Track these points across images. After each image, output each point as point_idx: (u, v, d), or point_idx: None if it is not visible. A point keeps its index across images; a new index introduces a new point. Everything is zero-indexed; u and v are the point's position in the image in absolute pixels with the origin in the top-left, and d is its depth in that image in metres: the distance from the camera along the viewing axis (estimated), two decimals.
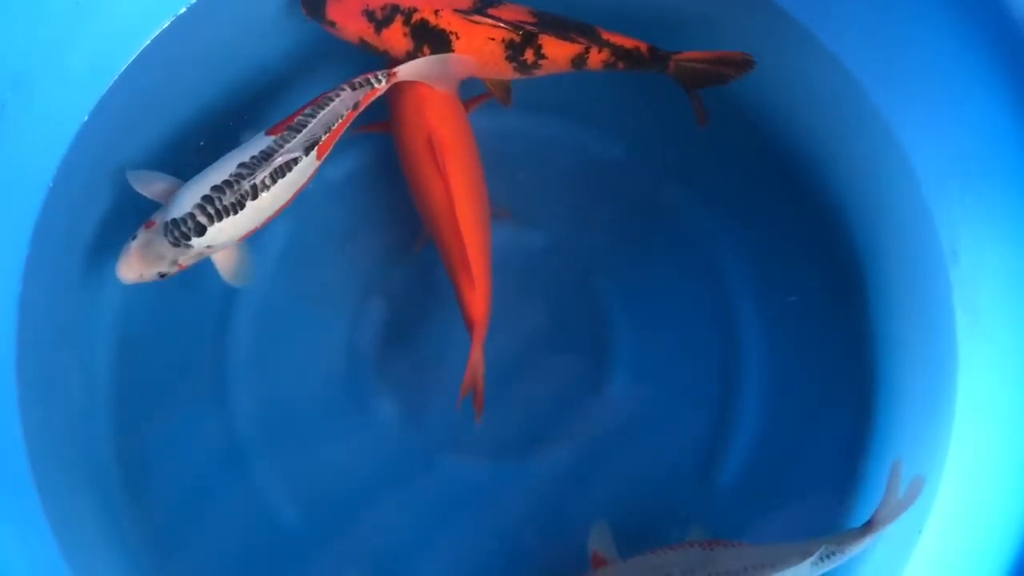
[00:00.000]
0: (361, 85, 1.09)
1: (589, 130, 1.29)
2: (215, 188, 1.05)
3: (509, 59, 1.11)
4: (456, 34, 1.10)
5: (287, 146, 1.05)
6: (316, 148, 1.07)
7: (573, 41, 1.11)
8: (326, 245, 1.26)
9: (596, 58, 1.12)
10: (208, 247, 1.07)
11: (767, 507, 1.20)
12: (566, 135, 1.28)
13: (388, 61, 1.15)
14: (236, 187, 1.04)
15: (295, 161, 1.06)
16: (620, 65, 1.12)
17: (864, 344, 1.20)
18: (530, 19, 1.11)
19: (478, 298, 1.11)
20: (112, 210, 1.17)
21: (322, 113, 1.07)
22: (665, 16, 1.21)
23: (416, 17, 1.11)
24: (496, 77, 1.14)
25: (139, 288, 1.16)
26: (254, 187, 1.05)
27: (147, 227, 1.07)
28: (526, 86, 1.26)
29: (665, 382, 1.25)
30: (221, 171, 1.05)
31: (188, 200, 1.05)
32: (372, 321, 1.25)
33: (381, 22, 1.11)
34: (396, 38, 1.12)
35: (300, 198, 1.10)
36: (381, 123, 1.19)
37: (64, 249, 1.17)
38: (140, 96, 1.19)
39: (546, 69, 1.13)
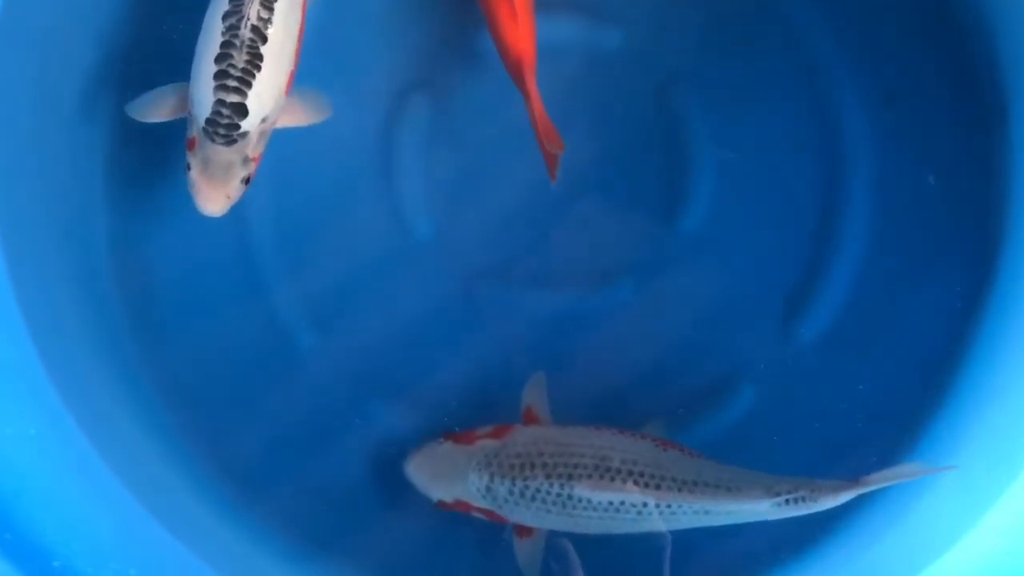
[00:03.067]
0: None
1: None
2: (219, 58, 0.86)
3: None
4: None
5: None
6: None
7: None
8: (361, 26, 1.08)
9: None
10: (263, 120, 0.89)
11: (848, 374, 1.05)
12: None
13: None
14: (237, 41, 0.86)
15: None
16: None
17: (995, 186, 1.01)
18: None
19: (523, 32, 0.94)
20: None
21: None
22: None
23: None
24: None
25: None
26: (255, 29, 0.87)
27: (191, 149, 0.90)
28: None
29: (749, 215, 1.08)
30: (212, 39, 0.87)
31: (205, 90, 0.87)
32: (411, 118, 1.07)
33: None
34: None
35: None
36: None
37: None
38: None
39: None
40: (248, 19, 0.87)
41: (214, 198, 0.89)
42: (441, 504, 0.99)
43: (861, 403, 1.04)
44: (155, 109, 0.93)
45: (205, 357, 1.07)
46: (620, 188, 1.08)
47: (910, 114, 1.06)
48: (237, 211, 0.94)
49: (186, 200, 0.96)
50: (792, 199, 1.07)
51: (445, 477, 0.98)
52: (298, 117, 0.95)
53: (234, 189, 0.90)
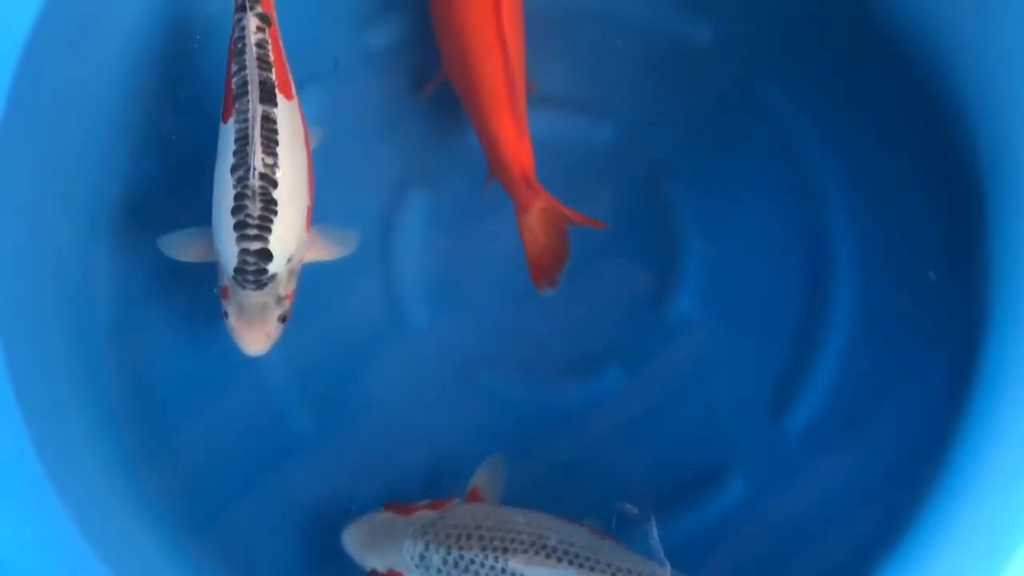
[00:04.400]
0: None
1: (675, 9, 1.12)
2: (235, 210, 0.89)
3: None
4: None
5: (249, 112, 0.90)
6: (275, 91, 0.92)
7: None
8: (361, 121, 1.12)
9: None
10: (289, 259, 0.92)
11: (836, 464, 1.06)
12: (648, 12, 1.12)
13: None
14: (248, 191, 0.89)
15: (271, 120, 0.91)
16: None
17: (978, 275, 1.03)
18: None
19: (526, 146, 0.98)
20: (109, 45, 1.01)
21: (246, 56, 0.91)
22: None
23: None
24: None
25: (146, 158, 1.06)
26: (264, 176, 0.89)
27: (225, 297, 0.93)
28: None
29: (737, 304, 1.10)
30: (226, 192, 0.90)
31: (228, 242, 0.90)
32: (408, 211, 1.11)
33: None
34: None
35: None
36: None
37: (62, 80, 0.99)
38: None
39: None
40: (255, 168, 0.89)
41: (255, 340, 0.93)
42: (374, 574, 0.98)
43: (849, 493, 1.05)
44: (186, 250, 0.97)
45: (204, 445, 1.08)
46: (609, 277, 1.10)
47: (894, 210, 1.08)
48: None
49: (184, 289, 0.99)
50: (779, 290, 1.09)
51: (381, 546, 0.97)
52: (323, 251, 0.98)
53: (273, 328, 0.93)
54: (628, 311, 1.10)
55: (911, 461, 1.04)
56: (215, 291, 0.95)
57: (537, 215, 0.97)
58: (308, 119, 1.09)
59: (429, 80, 1.08)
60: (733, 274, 1.10)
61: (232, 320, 0.93)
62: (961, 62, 1.03)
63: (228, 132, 0.91)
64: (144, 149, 1.06)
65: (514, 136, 0.97)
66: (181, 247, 0.97)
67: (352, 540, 0.98)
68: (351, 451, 1.09)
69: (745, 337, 1.09)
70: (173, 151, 1.07)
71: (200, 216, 0.96)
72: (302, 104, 1.00)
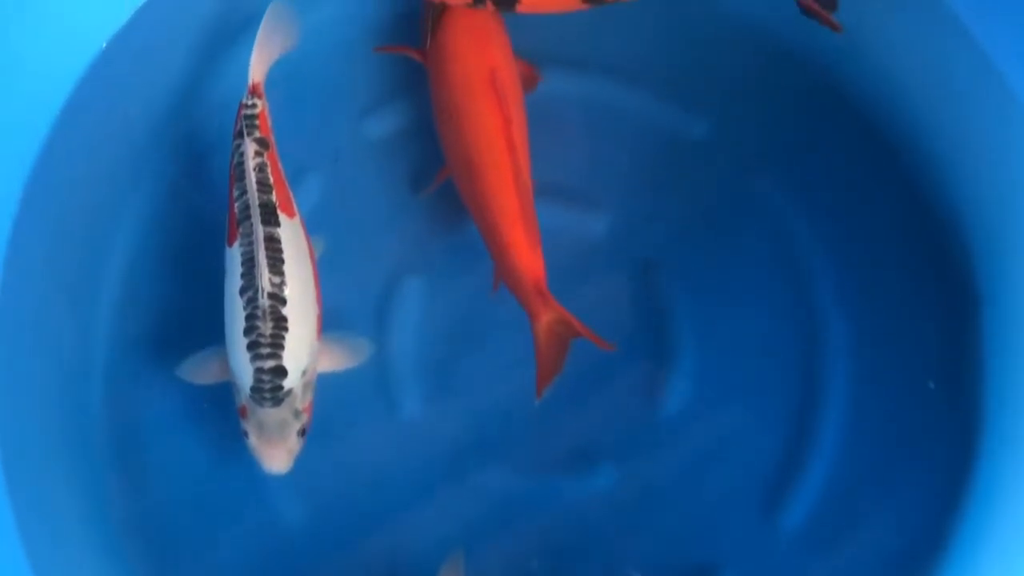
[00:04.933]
0: (247, 121, 0.96)
1: (671, 103, 1.14)
2: (248, 331, 0.91)
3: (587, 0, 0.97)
4: None
5: (252, 235, 0.92)
6: (277, 212, 0.94)
7: None
8: (361, 210, 1.12)
9: None
10: (303, 373, 0.94)
11: (828, 565, 1.05)
12: (643, 106, 1.13)
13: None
14: (259, 311, 0.91)
15: (275, 240, 0.93)
16: None
17: (973, 378, 1.03)
18: None
19: (538, 258, 0.98)
20: (114, 160, 1.03)
21: (247, 181, 0.94)
22: None
23: None
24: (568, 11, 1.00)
25: (145, 245, 1.08)
26: (272, 295, 0.91)
27: (243, 416, 0.95)
28: (601, 44, 1.13)
29: (730, 400, 1.10)
30: (236, 314, 0.93)
31: (242, 362, 0.92)
32: (404, 301, 1.11)
33: None
34: None
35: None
36: (409, 47, 1.07)
37: (65, 192, 1.02)
38: (156, 31, 1.03)
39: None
40: (263, 289, 0.91)
41: (277, 457, 0.94)
42: None
43: None
44: (203, 373, 0.99)
45: (191, 529, 1.07)
46: (603, 372, 1.09)
47: (888, 309, 1.09)
48: (228, 387, 0.98)
49: (180, 384, 0.99)
50: (771, 387, 1.09)
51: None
52: (336, 361, 1.00)
53: (294, 443, 0.94)
54: (620, 405, 1.09)
55: (906, 562, 1.03)
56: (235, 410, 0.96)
57: (546, 326, 0.97)
58: (309, 207, 1.11)
59: (429, 170, 1.09)
60: (726, 370, 1.10)
61: (253, 439, 0.94)
62: (957, 164, 1.05)
63: (234, 255, 0.93)
64: (153, 249, 1.08)
65: (526, 248, 0.97)
66: (198, 371, 0.99)
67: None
68: (341, 541, 1.07)
69: (738, 433, 1.09)
70: (180, 252, 1.09)
71: (199, 315, 0.97)
72: (306, 191, 1.05)
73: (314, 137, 1.12)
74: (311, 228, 1.05)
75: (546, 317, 0.96)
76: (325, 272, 1.01)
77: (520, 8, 0.98)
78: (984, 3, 0.98)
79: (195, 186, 1.08)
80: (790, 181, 1.12)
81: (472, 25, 1.02)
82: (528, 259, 0.97)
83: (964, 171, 1.04)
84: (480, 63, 1.00)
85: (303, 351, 0.93)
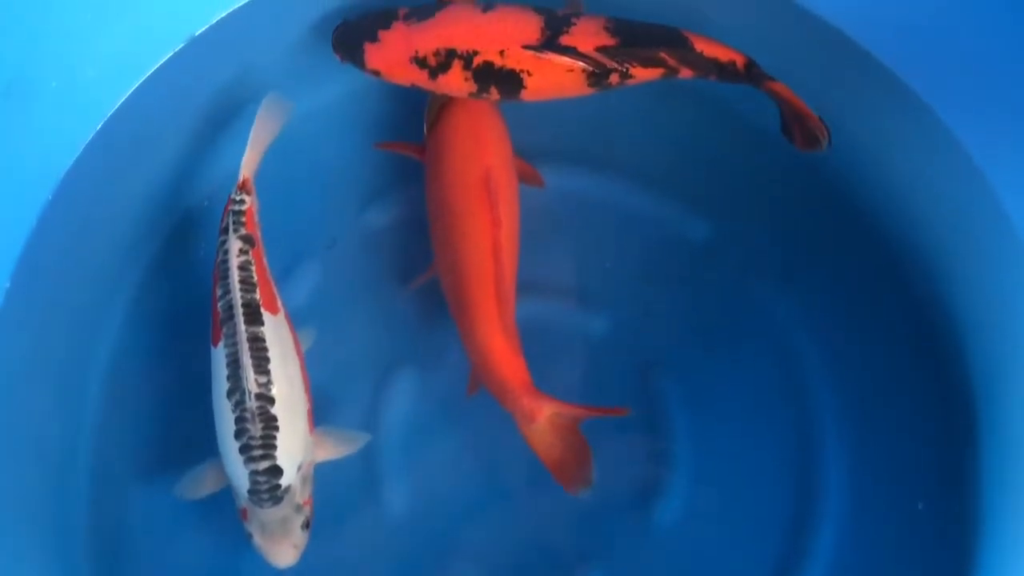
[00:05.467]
0: (233, 217, 0.96)
1: (674, 204, 1.13)
2: (238, 434, 0.91)
3: (592, 84, 0.95)
4: (528, 72, 0.95)
5: (236, 336, 0.92)
6: (260, 311, 0.93)
7: (662, 64, 0.93)
8: (354, 298, 1.12)
9: (687, 71, 0.95)
10: (299, 468, 0.93)
11: None
12: (646, 206, 1.13)
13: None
14: (247, 414, 0.91)
15: (259, 339, 0.92)
16: (712, 77, 0.95)
17: (968, 500, 0.99)
18: (609, 40, 0.93)
19: (521, 363, 0.95)
20: (107, 243, 1.02)
21: (230, 280, 0.93)
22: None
23: (478, 60, 0.95)
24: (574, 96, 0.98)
25: (134, 335, 1.07)
26: (260, 396, 0.91)
27: (245, 518, 0.94)
28: (606, 142, 1.14)
29: (723, 510, 1.07)
30: (225, 417, 0.92)
31: (236, 466, 0.91)
32: (394, 394, 1.09)
33: (436, 68, 0.96)
34: (456, 82, 0.97)
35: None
36: (408, 144, 1.07)
37: (57, 278, 1.01)
38: (149, 119, 1.03)
39: (631, 84, 0.96)
40: (250, 391, 0.90)
41: (282, 553, 0.92)
42: None
43: None
44: (199, 488, 0.97)
45: None
46: (597, 475, 1.07)
47: (884, 425, 1.06)
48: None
49: (162, 472, 0.97)
50: (766, 498, 1.07)
51: None
52: (332, 451, 0.98)
53: (298, 538, 0.93)
54: (613, 511, 1.06)
55: None
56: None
57: (546, 423, 0.94)
58: (303, 293, 1.10)
59: (424, 262, 1.07)
60: (721, 479, 1.08)
61: (257, 539, 0.92)
62: (958, 287, 1.03)
63: (219, 356, 0.92)
64: (140, 343, 1.07)
65: (508, 354, 0.95)
66: (195, 487, 0.97)
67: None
68: None
69: (731, 546, 1.06)
70: (167, 345, 1.08)
71: (186, 410, 0.97)
72: (300, 276, 1.07)
73: (312, 223, 1.12)
74: (304, 314, 1.05)
75: (543, 415, 0.93)
76: (316, 359, 1.00)
77: (525, 95, 0.97)
78: (988, 135, 0.97)
79: (183, 278, 1.07)
80: (791, 290, 1.11)
81: (471, 123, 1.02)
82: (512, 365, 0.95)
83: (964, 294, 1.02)
84: (475, 163, 1.00)
85: (297, 447, 0.92)
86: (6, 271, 0.89)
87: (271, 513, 0.91)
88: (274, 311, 0.95)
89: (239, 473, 0.91)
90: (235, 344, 0.91)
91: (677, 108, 1.11)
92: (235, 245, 0.95)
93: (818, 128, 0.93)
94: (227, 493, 0.95)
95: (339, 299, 1.11)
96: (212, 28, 0.99)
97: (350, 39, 0.99)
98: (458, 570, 1.06)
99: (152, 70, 0.97)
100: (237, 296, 0.92)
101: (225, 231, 0.96)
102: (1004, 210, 0.96)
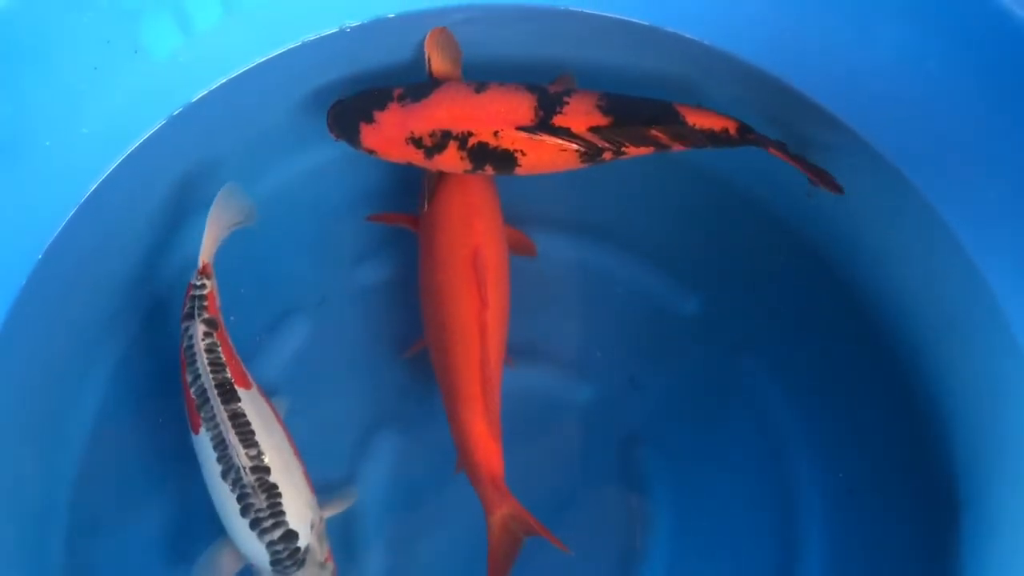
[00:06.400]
0: (196, 302, 0.98)
1: (661, 274, 1.14)
2: (244, 512, 0.92)
3: (585, 162, 0.97)
4: (522, 151, 0.97)
5: (216, 417, 0.93)
6: (235, 388, 0.95)
7: (654, 143, 0.95)
8: (341, 356, 1.12)
9: (680, 144, 0.96)
10: (313, 527, 0.94)
11: None
12: (636, 279, 1.14)
13: None
14: (248, 488, 0.92)
15: (240, 415, 0.94)
16: (708, 146, 0.96)
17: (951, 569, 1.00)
18: (602, 120, 0.95)
19: (498, 449, 0.96)
20: (91, 304, 1.04)
21: (199, 363, 0.95)
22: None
23: (473, 141, 0.97)
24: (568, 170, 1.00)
25: (116, 392, 1.08)
26: (255, 468, 0.93)
27: None
28: (597, 213, 1.15)
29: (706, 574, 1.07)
30: (226, 498, 0.93)
31: (251, 544, 0.93)
32: (378, 459, 1.09)
33: (432, 148, 0.98)
34: (452, 161, 0.99)
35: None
36: (402, 215, 1.08)
37: (43, 335, 1.04)
38: (156, 167, 1.05)
39: (625, 159, 0.98)
40: (243, 467, 0.92)
41: None
42: None
43: None
44: (219, 568, 0.97)
45: None
46: (577, 543, 1.04)
47: (867, 505, 1.06)
48: (191, 535, 0.98)
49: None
50: (746, 571, 1.06)
51: None
52: (336, 506, 1.01)
53: None
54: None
55: None
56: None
57: (500, 519, 0.94)
58: (291, 349, 1.10)
59: (413, 323, 1.08)
60: (701, 550, 1.07)
61: None
62: (942, 368, 1.04)
63: (203, 441, 0.94)
64: (118, 409, 1.08)
65: (487, 439, 0.96)
66: (213, 567, 0.97)
67: None
68: None
69: None
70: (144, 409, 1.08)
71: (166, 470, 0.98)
72: (288, 331, 1.09)
73: (302, 278, 1.13)
74: (290, 370, 1.07)
75: (500, 511, 0.94)
76: (299, 420, 1.01)
77: (520, 171, 0.99)
78: (981, 225, 0.98)
79: (154, 357, 1.08)
80: (777, 365, 1.11)
81: (462, 199, 1.03)
82: (487, 450, 0.95)
83: (948, 374, 1.03)
84: (465, 241, 1.01)
85: (303, 508, 0.93)
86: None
87: None
88: (247, 386, 0.96)
89: (256, 550, 0.92)
90: (217, 425, 0.93)
91: (671, 180, 1.12)
92: (199, 329, 0.97)
93: (823, 177, 0.96)
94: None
95: (328, 356, 1.11)
96: (216, 90, 1.02)
97: (345, 119, 1.01)
98: None
99: (140, 141, 0.99)
100: (208, 378, 0.94)
101: (189, 316, 0.98)
102: (999, 306, 0.97)
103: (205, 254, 0.99)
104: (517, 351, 1.07)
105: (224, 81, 1.07)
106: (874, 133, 1.03)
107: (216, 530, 0.98)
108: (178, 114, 1.04)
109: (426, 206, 1.04)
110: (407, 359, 1.10)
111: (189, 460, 0.97)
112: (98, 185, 0.99)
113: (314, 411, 1.08)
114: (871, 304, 1.07)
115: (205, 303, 0.97)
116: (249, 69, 1.05)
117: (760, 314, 1.12)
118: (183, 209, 1.07)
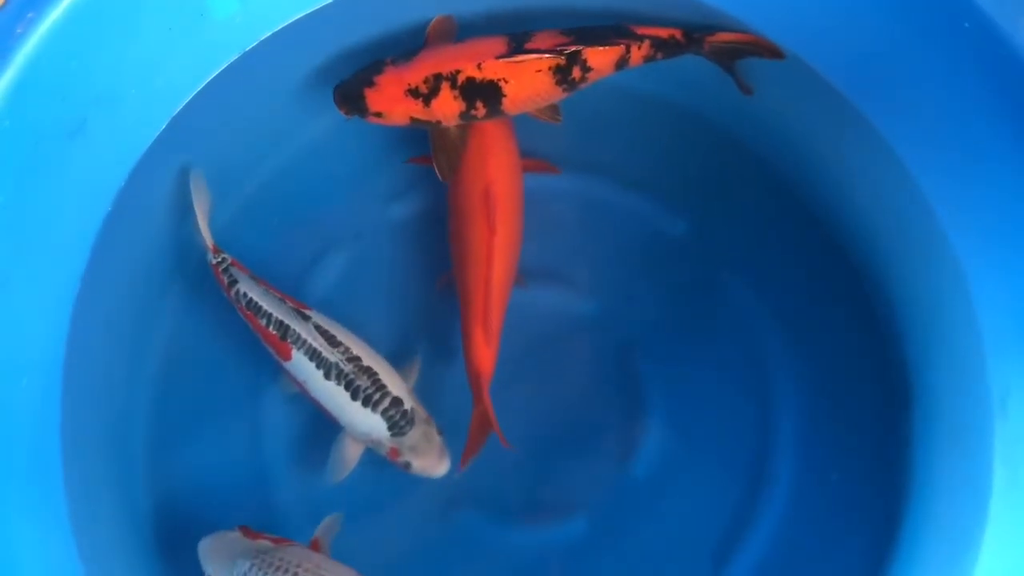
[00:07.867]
0: (228, 272, 1.12)
1: (653, 202, 1.28)
2: (354, 395, 1.09)
3: (559, 83, 1.09)
4: (504, 79, 1.08)
5: (302, 336, 1.08)
6: (303, 310, 1.10)
7: (614, 44, 1.08)
8: (375, 286, 1.27)
9: (637, 55, 1.09)
10: (410, 393, 1.13)
11: None
12: (629, 204, 1.28)
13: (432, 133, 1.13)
14: (351, 375, 1.09)
15: (319, 327, 1.10)
16: (659, 55, 1.10)
17: (900, 471, 1.15)
18: (566, 39, 1.08)
19: (490, 354, 1.13)
20: (172, 228, 1.18)
21: (264, 307, 1.10)
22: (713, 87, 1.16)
23: (461, 77, 1.08)
24: (545, 104, 1.12)
25: (194, 305, 1.22)
26: (349, 359, 1.09)
27: (396, 456, 1.11)
28: (594, 150, 1.27)
29: (691, 471, 1.23)
30: (335, 394, 1.09)
31: (368, 420, 1.10)
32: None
33: (428, 95, 1.09)
34: (447, 104, 1.10)
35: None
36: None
37: (127, 256, 1.16)
38: (214, 112, 1.17)
39: (592, 80, 1.10)
40: (340, 361, 1.09)
41: (440, 462, 1.12)
42: None
43: None
44: (345, 464, 1.13)
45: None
46: (580, 435, 1.23)
47: (835, 397, 1.21)
48: (259, 429, 1.16)
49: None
50: (727, 460, 1.22)
51: (220, 558, 1.06)
52: (412, 375, 1.17)
53: (440, 444, 1.12)
54: (599, 466, 1.23)
55: None
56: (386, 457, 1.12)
57: (477, 414, 1.12)
58: (329, 281, 1.25)
59: (443, 254, 1.22)
60: (691, 439, 1.23)
61: (414, 463, 1.10)
62: (894, 272, 1.16)
63: (299, 360, 1.09)
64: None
65: (482, 344, 1.12)
66: (343, 465, 1.13)
67: (203, 547, 1.08)
68: None
69: (697, 495, 1.22)
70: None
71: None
72: (327, 266, 1.23)
73: (340, 217, 1.27)
74: (330, 301, 1.22)
75: (478, 408, 1.12)
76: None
77: (506, 104, 1.09)
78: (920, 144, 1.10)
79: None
80: (754, 276, 1.25)
81: (481, 144, 1.15)
82: (481, 356, 1.12)
83: (897, 277, 1.16)
84: (478, 178, 1.15)
85: (397, 380, 1.11)
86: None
87: (413, 435, 1.09)
88: (308, 309, 1.11)
89: (374, 422, 1.08)
90: (305, 342, 1.08)
91: (658, 120, 1.25)
92: (246, 285, 1.11)
93: (767, 46, 1.07)
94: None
95: (361, 288, 1.26)
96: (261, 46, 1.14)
97: (350, 92, 1.10)
98: (451, 518, 1.22)
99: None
100: (280, 312, 1.09)
101: (232, 284, 1.12)
102: (937, 218, 1.09)
103: (207, 238, 1.13)
104: (529, 273, 1.21)
105: (268, 36, 1.15)
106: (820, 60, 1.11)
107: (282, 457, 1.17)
108: (233, 67, 1.17)
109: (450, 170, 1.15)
110: (439, 288, 1.25)
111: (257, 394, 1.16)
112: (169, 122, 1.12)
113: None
114: (832, 223, 1.20)
115: (236, 268, 1.12)
116: (294, 22, 1.13)
117: (739, 235, 1.25)
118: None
